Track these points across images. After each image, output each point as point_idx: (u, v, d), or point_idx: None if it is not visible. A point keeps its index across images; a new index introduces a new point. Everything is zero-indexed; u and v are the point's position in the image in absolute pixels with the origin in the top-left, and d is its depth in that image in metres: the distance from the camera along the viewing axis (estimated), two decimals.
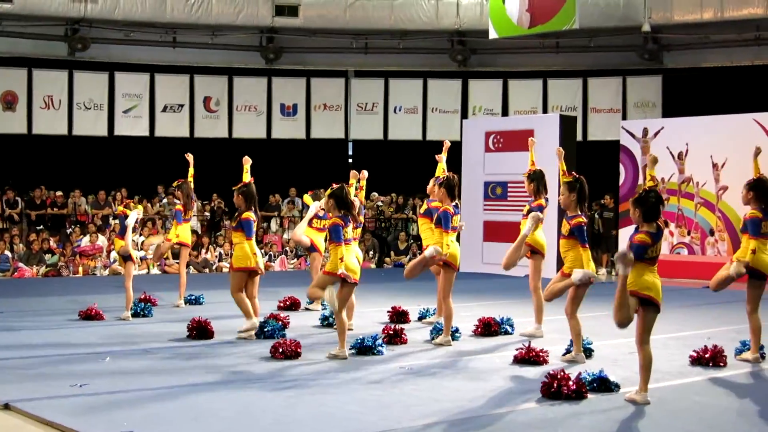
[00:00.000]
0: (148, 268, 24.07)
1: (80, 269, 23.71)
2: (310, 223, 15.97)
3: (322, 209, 14.06)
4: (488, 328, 13.59)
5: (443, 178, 13.02)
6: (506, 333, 13.69)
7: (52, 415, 8.19)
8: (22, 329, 13.74)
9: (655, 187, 9.58)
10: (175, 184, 18.02)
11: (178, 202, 17.72)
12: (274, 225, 28.70)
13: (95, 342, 12.49)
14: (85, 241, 24.65)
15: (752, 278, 11.26)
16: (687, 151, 24.11)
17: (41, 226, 25.83)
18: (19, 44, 29.28)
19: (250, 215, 13.04)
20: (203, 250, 25.44)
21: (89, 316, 14.81)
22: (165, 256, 23.61)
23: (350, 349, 11.56)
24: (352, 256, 11.68)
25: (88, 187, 27.89)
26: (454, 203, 12.70)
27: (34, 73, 29.43)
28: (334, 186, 11.69)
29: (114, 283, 20.80)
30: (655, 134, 24.71)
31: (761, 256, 11.19)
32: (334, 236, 11.38)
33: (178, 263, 19.59)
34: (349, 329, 11.71)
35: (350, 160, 32.46)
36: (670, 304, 15.07)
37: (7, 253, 23.89)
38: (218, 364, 10.90)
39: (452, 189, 12.77)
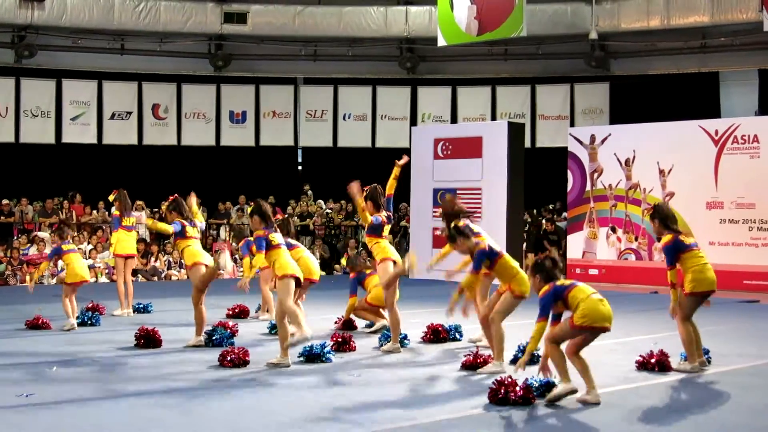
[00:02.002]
0: (96, 277, 23.92)
1: (27, 278, 23.53)
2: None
3: None
4: (437, 334, 13.62)
5: (367, 189, 13.40)
6: (455, 339, 13.71)
7: None
8: None
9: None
10: (111, 196, 17.74)
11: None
12: (223, 232, 28.60)
13: (42, 351, 12.41)
14: (32, 249, 24.46)
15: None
16: (634, 157, 24.29)
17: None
18: None
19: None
20: (152, 258, 25.31)
21: (36, 325, 14.71)
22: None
23: (299, 356, 11.57)
24: (289, 257, 11.85)
25: (35, 195, 27.71)
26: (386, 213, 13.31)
27: None
28: (254, 203, 12.10)
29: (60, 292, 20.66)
30: (603, 141, 24.87)
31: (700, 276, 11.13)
32: (258, 247, 11.64)
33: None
34: (291, 334, 11.66)
35: (299, 167, 32.50)
36: (619, 309, 15.17)
37: None
38: (165, 373, 10.86)
39: (377, 199, 13.32)
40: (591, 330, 9.30)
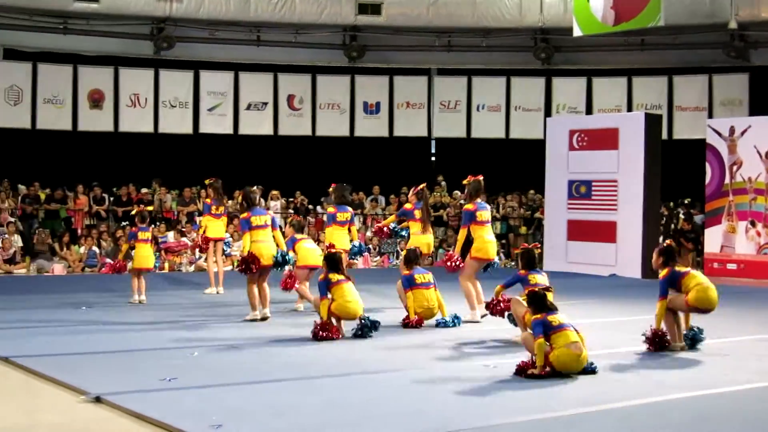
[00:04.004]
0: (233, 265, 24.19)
1: (166, 265, 23.94)
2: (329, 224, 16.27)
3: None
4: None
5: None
6: None
7: (142, 409, 8.27)
8: (111, 324, 13.95)
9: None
10: (207, 181, 18.93)
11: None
12: (357, 223, 28.73)
13: (184, 337, 12.64)
14: (171, 237, 24.89)
15: None
16: None
17: (127, 223, 26.11)
18: (105, 43, 29.67)
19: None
20: None
21: None
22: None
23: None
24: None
25: (173, 184, 28.22)
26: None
27: (121, 71, 29.82)
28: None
29: (197, 279, 21.05)
30: (742, 133, 24.35)
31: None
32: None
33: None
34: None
35: (432, 158, 32.50)
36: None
37: (95, 249, 24.24)
38: (304, 360, 10.97)
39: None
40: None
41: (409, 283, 13.91)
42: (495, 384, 9.63)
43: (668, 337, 11.71)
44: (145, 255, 16.77)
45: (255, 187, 15.99)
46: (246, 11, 29.50)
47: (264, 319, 14.33)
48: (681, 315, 11.90)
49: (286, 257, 14.56)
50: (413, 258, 14.32)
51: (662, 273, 11.84)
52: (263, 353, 11.48)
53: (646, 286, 12.39)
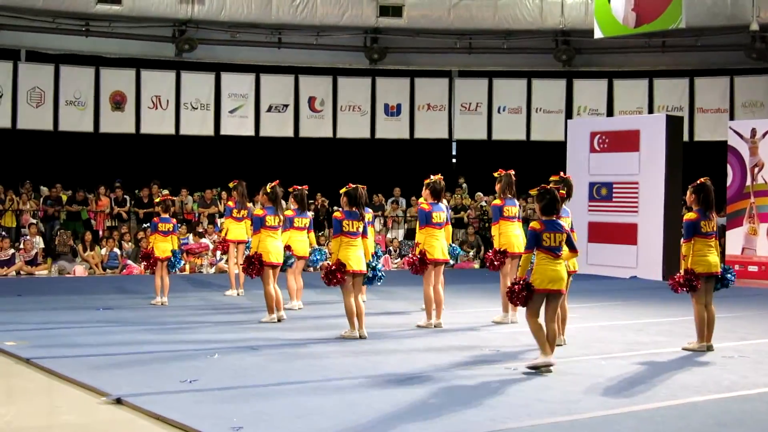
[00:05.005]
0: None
1: (187, 267, 23.99)
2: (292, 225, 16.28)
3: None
4: None
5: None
6: None
7: (163, 410, 8.31)
8: (132, 325, 13.99)
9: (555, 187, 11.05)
10: (231, 184, 19.06)
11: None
12: (378, 224, 28.77)
13: (204, 339, 12.67)
14: (191, 239, 24.94)
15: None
16: None
17: (149, 224, 26.15)
18: (127, 45, 29.79)
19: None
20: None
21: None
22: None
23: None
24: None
25: (194, 186, 28.29)
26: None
27: (143, 73, 29.93)
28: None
29: (218, 281, 21.09)
30: (764, 135, 24.25)
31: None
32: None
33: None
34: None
35: (453, 160, 32.49)
36: None
37: (117, 250, 24.30)
38: (325, 363, 10.98)
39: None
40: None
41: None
42: (517, 387, 9.63)
43: (696, 284, 11.82)
44: (162, 246, 16.75)
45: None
46: (267, 13, 29.55)
47: (280, 320, 14.47)
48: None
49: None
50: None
51: (690, 216, 12.12)
52: (283, 355, 11.49)
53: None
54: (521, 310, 12.11)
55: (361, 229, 12.82)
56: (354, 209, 12.74)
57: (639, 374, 10.41)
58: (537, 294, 10.32)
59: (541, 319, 10.37)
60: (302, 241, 16.22)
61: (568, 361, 11.09)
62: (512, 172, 14.91)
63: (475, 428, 7.97)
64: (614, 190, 24.39)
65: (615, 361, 11.20)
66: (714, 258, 11.94)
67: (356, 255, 12.67)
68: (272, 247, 14.43)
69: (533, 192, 10.70)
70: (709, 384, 9.88)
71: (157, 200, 17.85)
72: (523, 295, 10.33)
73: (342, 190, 12.93)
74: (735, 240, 24.66)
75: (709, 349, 11.77)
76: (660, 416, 8.46)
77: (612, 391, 9.48)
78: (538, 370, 10.22)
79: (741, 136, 24.68)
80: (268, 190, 14.94)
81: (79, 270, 23.41)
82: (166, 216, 16.95)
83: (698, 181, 12.35)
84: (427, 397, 9.13)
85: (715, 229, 12.08)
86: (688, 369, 10.78)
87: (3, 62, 28.47)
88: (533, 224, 10.44)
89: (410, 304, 16.92)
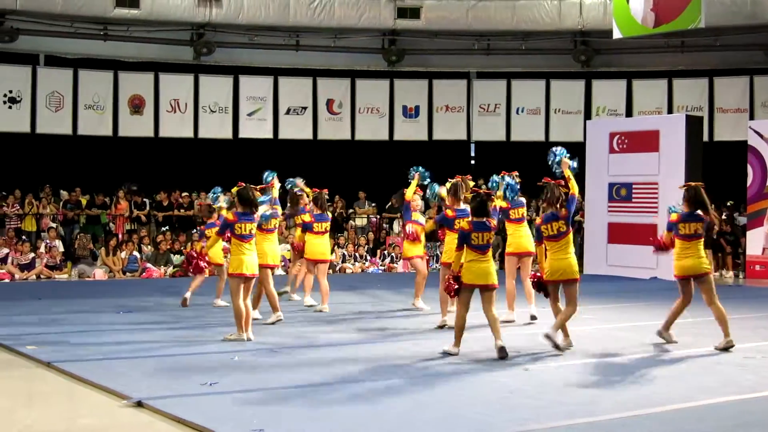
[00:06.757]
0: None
1: (207, 270, 23.95)
2: (311, 229, 16.61)
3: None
4: None
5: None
6: None
7: (184, 413, 8.33)
8: (152, 328, 14.01)
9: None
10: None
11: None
12: (396, 227, 28.75)
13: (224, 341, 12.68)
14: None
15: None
16: None
17: (167, 227, 26.22)
18: (146, 49, 29.87)
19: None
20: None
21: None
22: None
23: None
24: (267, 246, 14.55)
25: (212, 188, 28.23)
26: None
27: (161, 77, 30.02)
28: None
29: None
30: None
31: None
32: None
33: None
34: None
35: (472, 162, 32.44)
36: None
37: (136, 254, 24.35)
38: (347, 364, 10.98)
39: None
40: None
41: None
42: (536, 388, 9.61)
43: None
44: (213, 251, 16.83)
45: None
46: (285, 16, 29.58)
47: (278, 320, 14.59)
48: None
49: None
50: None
51: (672, 217, 12.74)
52: (303, 357, 11.49)
53: None
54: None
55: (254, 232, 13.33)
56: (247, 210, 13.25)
57: (658, 375, 10.39)
58: (465, 287, 11.45)
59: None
60: (323, 245, 16.29)
61: (587, 362, 11.08)
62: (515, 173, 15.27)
63: (495, 429, 7.97)
64: (634, 191, 24.32)
65: (634, 362, 11.17)
66: (690, 261, 12.23)
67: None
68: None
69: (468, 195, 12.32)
70: (729, 385, 9.86)
71: (196, 210, 17.91)
72: (453, 288, 11.53)
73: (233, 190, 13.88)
74: (756, 240, 24.56)
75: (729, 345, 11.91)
76: (679, 418, 8.45)
77: (631, 393, 9.46)
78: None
79: (761, 136, 24.60)
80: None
81: (99, 273, 23.46)
82: (211, 221, 16.97)
83: (689, 184, 13.17)
84: (447, 399, 9.13)
85: (698, 231, 12.40)
86: (708, 370, 10.76)
87: (22, 67, 28.59)
88: (462, 224, 11.74)
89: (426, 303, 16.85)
